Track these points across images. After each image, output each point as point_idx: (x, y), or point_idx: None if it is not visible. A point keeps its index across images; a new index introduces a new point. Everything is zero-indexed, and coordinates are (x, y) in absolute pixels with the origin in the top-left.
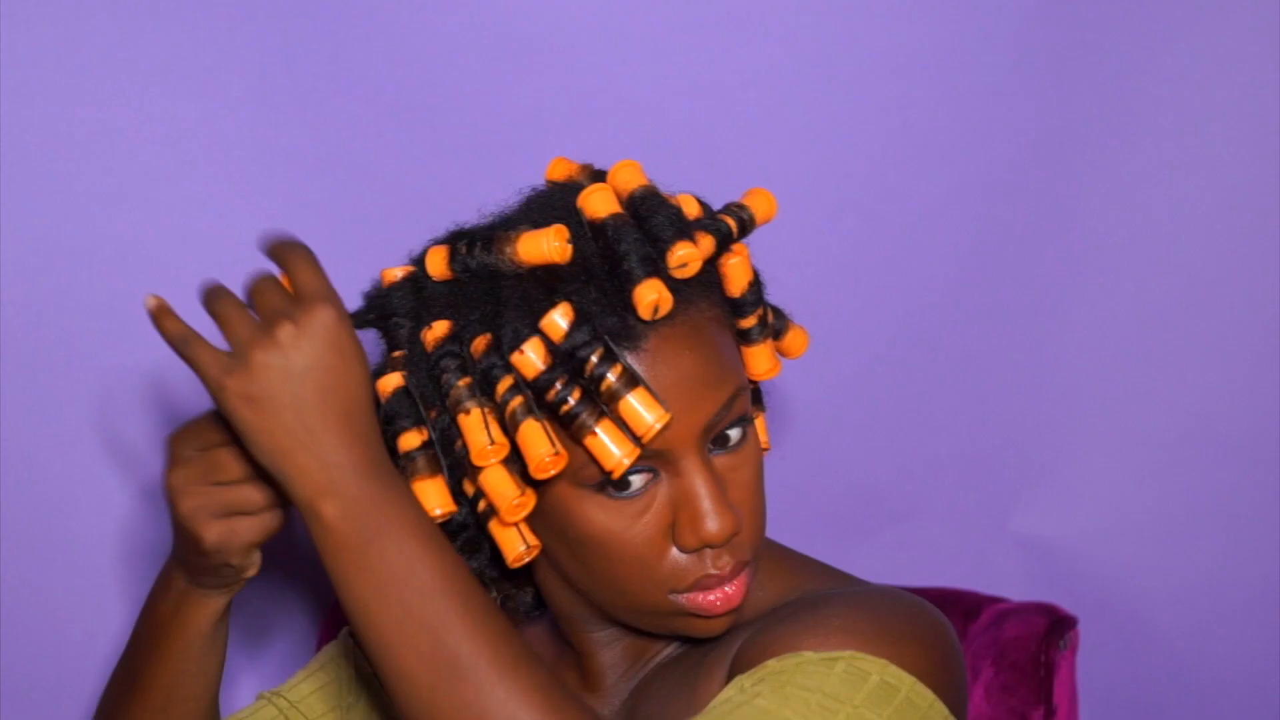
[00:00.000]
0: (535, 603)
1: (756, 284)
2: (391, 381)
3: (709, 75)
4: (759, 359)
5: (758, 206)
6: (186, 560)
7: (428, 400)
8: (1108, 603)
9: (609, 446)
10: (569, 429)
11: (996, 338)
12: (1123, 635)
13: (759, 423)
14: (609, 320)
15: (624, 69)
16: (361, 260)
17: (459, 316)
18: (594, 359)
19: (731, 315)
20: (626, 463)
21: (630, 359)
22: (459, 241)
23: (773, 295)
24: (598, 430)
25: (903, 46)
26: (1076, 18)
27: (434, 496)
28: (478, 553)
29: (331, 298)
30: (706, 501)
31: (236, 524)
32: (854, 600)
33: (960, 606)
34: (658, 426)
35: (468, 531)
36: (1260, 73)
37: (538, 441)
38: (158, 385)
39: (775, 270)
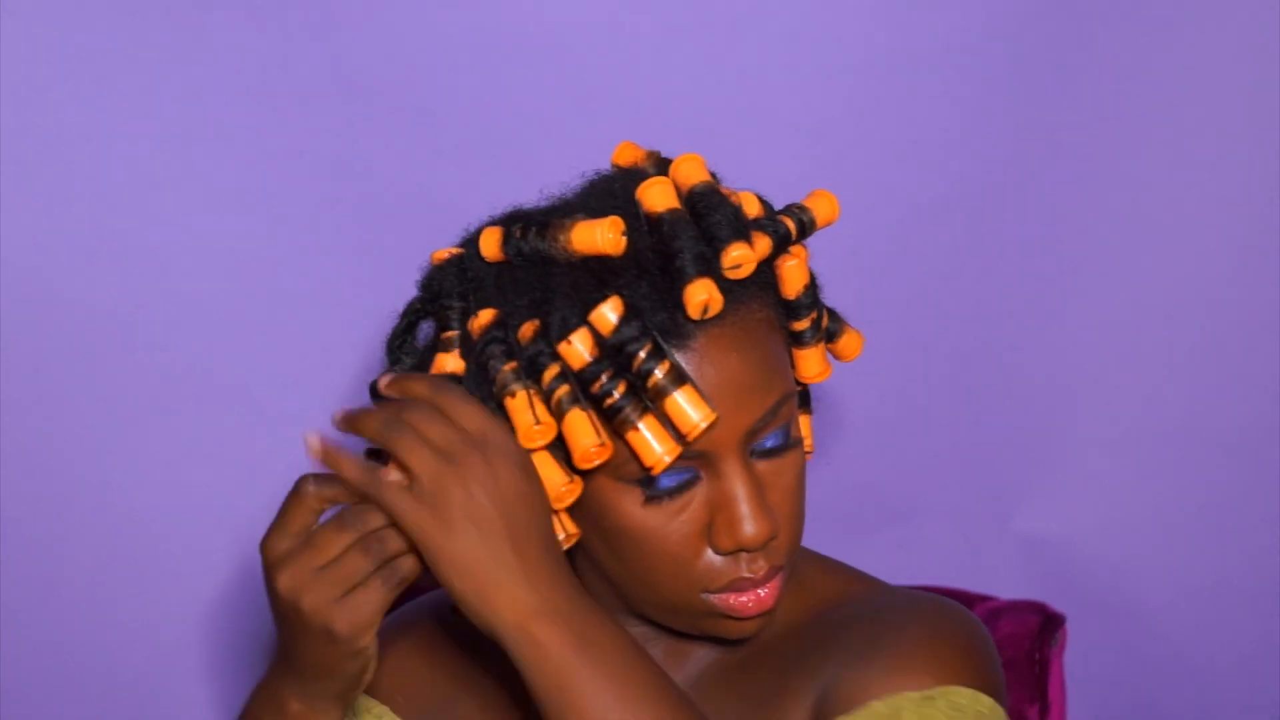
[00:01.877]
0: None
1: (812, 287)
2: (449, 362)
3: (709, 75)
4: (810, 362)
5: (819, 209)
6: (308, 669)
7: (477, 390)
8: (1107, 601)
9: (651, 443)
10: (612, 423)
11: (996, 337)
12: (1122, 633)
13: (805, 424)
14: (659, 316)
15: (624, 69)
16: (362, 260)
17: (506, 303)
18: (642, 354)
19: (785, 317)
20: (668, 460)
21: (678, 357)
22: (514, 224)
23: None
24: (641, 426)
25: (902, 46)
26: (1075, 17)
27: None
28: None
29: (504, 425)
30: (745, 505)
31: (359, 598)
32: (925, 625)
33: None
34: (703, 425)
35: None
36: (1260, 73)
37: (584, 431)
38: (158, 385)
39: None
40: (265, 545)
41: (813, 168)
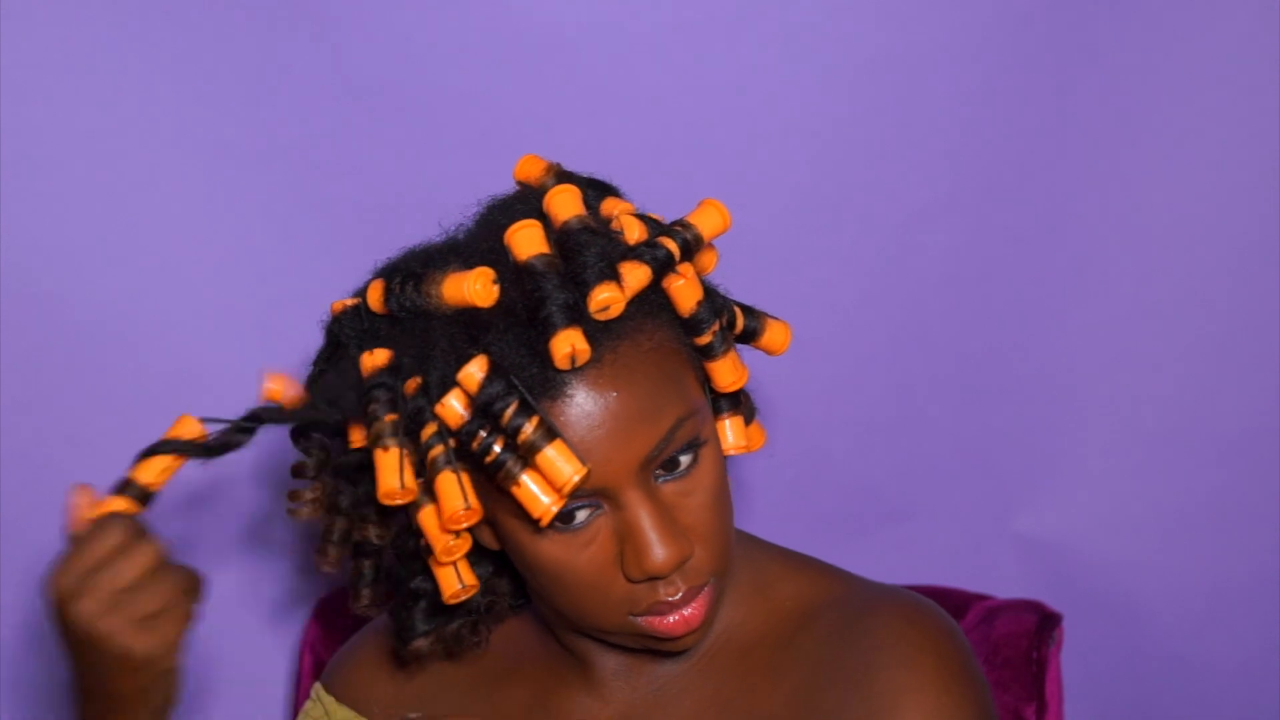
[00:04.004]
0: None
1: (708, 301)
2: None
3: (708, 75)
4: (723, 372)
5: (705, 222)
6: (114, 700)
7: (352, 421)
8: (1106, 601)
9: (536, 495)
10: (495, 478)
11: (995, 337)
12: (1121, 634)
13: (739, 426)
14: (530, 370)
15: (624, 69)
16: (361, 260)
17: (396, 348)
18: (509, 412)
19: (686, 335)
20: (554, 510)
21: (555, 407)
22: (394, 277)
23: (772, 292)
24: (524, 479)
25: (902, 46)
26: (1076, 18)
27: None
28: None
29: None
30: (650, 534)
31: (160, 624)
32: (933, 664)
33: (947, 604)
34: (575, 479)
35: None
36: (1260, 73)
37: (452, 494)
38: (158, 385)
39: (776, 268)
40: (56, 579)
41: (813, 168)
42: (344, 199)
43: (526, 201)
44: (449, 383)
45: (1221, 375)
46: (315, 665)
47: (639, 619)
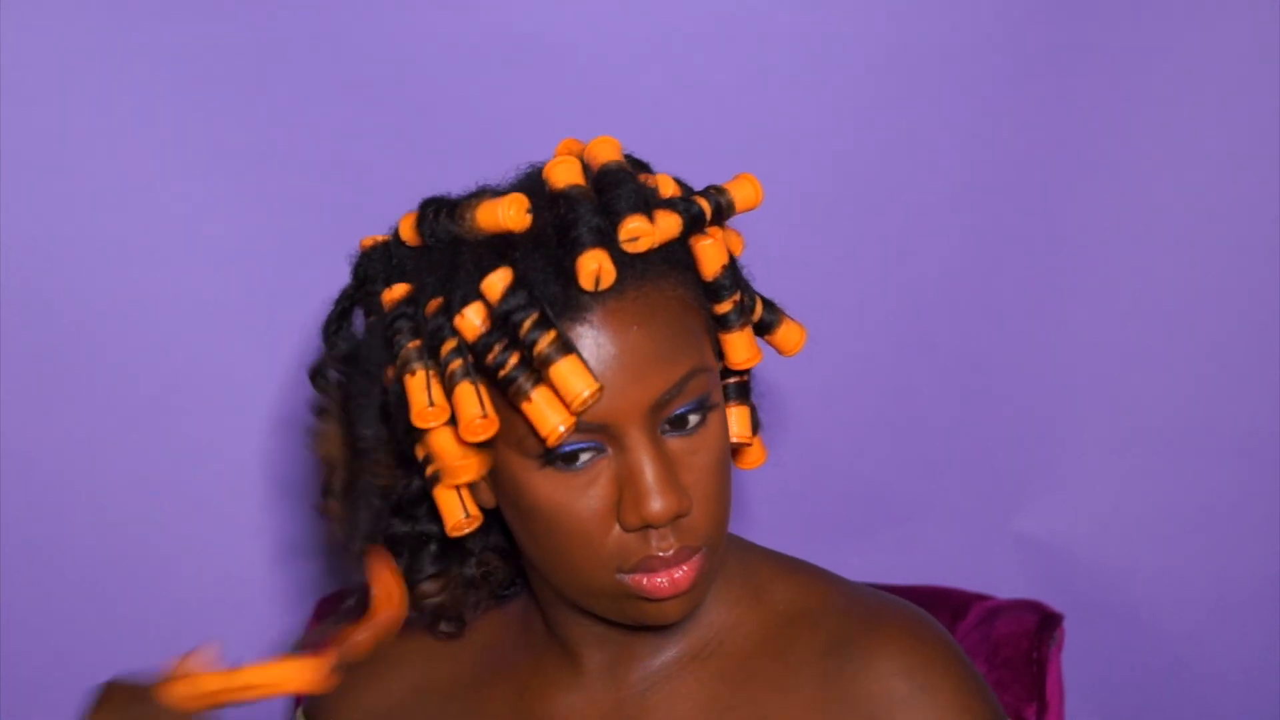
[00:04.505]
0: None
1: (732, 269)
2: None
3: (709, 75)
4: (737, 346)
5: (739, 192)
6: None
7: (382, 361)
8: (1106, 602)
9: (546, 413)
10: (506, 394)
11: (996, 337)
12: (1122, 634)
13: (742, 417)
14: (551, 288)
15: (624, 69)
16: None
17: (419, 280)
18: (528, 324)
19: (706, 299)
20: (562, 429)
21: (573, 330)
22: (428, 208)
23: (774, 292)
24: (534, 396)
25: (902, 46)
26: (1076, 17)
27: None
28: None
29: None
30: (650, 479)
31: None
32: (948, 677)
33: (947, 604)
34: (585, 394)
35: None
36: (1260, 73)
37: (469, 404)
38: (157, 384)
39: (777, 268)
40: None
41: (815, 169)
42: (344, 199)
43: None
44: (470, 297)
45: (1222, 376)
46: None
47: (627, 577)
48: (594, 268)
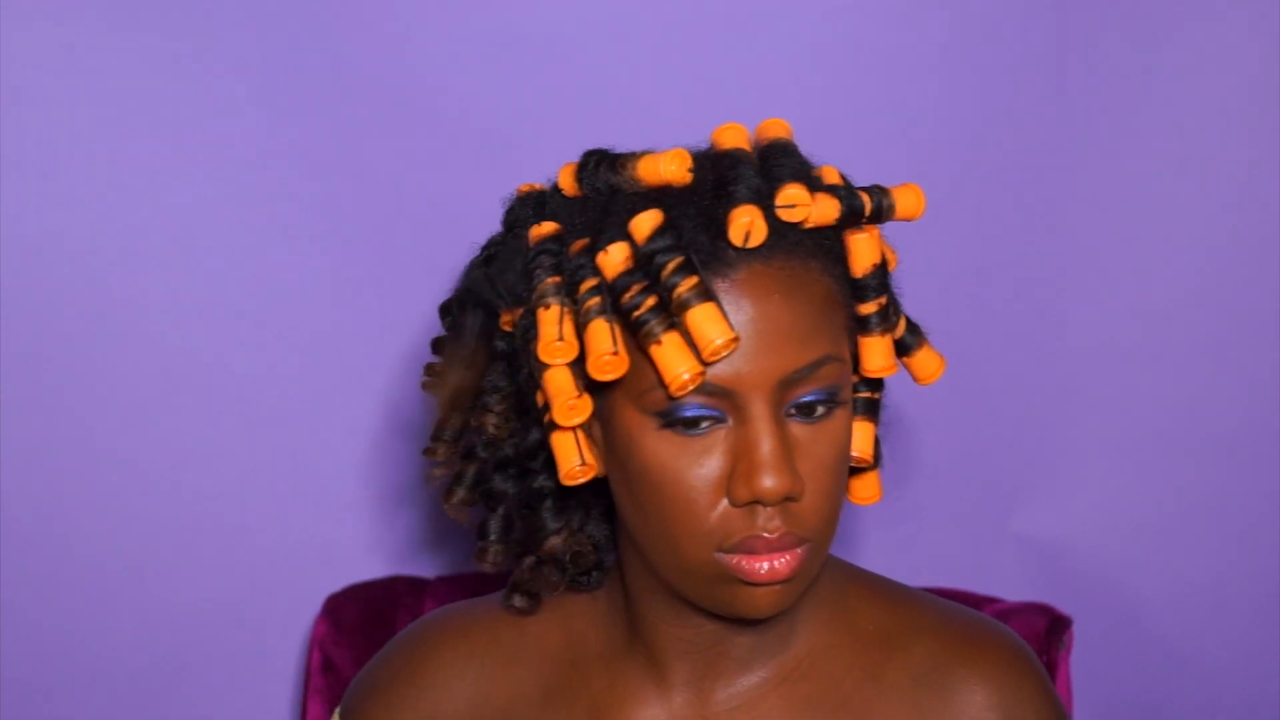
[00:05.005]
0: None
1: (882, 270)
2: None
3: (709, 75)
4: (873, 352)
5: (903, 199)
6: None
7: (520, 297)
8: (1107, 602)
9: (674, 358)
10: (638, 336)
11: (996, 337)
12: (1122, 635)
13: (863, 431)
14: (700, 237)
15: (624, 68)
16: (361, 260)
17: (568, 222)
18: (671, 266)
19: (851, 296)
20: (686, 377)
21: (716, 283)
22: (591, 157)
23: None
24: (664, 340)
25: (902, 46)
26: (1076, 17)
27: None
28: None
29: None
30: (766, 454)
31: None
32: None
33: None
34: (719, 341)
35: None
36: (1260, 73)
37: (601, 339)
38: (158, 384)
39: None
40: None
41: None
42: (344, 199)
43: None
44: (617, 237)
45: (1222, 375)
46: (324, 662)
47: (727, 556)
48: (746, 221)
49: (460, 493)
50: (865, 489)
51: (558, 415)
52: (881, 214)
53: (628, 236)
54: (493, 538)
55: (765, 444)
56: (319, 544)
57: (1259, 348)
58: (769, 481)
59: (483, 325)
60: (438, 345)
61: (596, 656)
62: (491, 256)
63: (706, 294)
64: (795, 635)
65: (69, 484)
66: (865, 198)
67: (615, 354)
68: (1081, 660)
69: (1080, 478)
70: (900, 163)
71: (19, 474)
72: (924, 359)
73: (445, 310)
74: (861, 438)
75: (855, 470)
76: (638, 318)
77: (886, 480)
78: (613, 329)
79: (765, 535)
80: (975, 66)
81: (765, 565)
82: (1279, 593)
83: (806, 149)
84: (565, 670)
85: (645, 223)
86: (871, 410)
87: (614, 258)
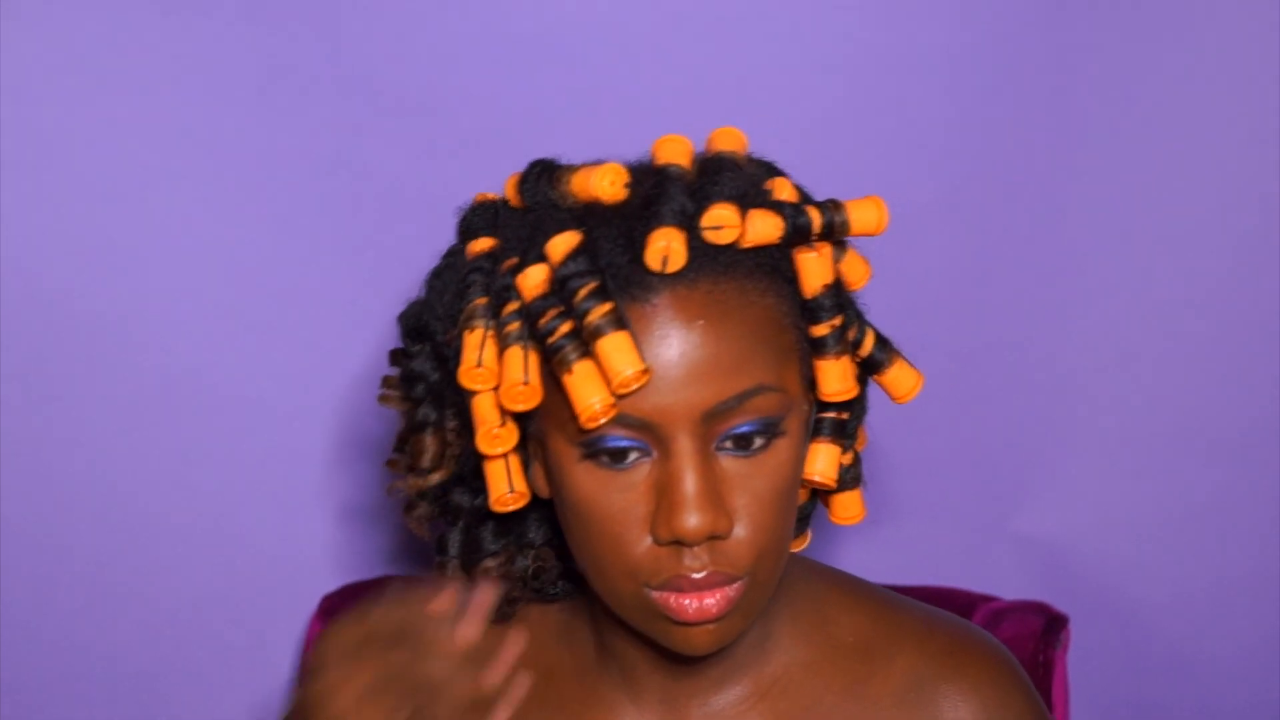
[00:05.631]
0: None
1: (836, 289)
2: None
3: (708, 75)
4: (829, 376)
5: (860, 213)
6: None
7: (453, 314)
8: (1107, 602)
9: (584, 388)
10: (551, 363)
11: (995, 337)
12: (1122, 635)
13: (827, 454)
14: (619, 260)
15: (623, 68)
16: (362, 260)
17: (503, 238)
18: (584, 291)
19: (803, 318)
20: (598, 409)
21: (634, 309)
22: (533, 168)
23: None
24: (576, 369)
25: (902, 46)
26: (1076, 17)
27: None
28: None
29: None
30: (688, 492)
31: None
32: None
33: (952, 605)
34: (628, 373)
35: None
36: (1260, 73)
37: (513, 368)
38: (158, 384)
39: None
40: (338, 628)
41: (813, 168)
42: (344, 198)
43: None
44: (537, 257)
45: (1222, 375)
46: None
47: (655, 593)
48: (663, 245)
49: (421, 507)
50: (845, 509)
51: (480, 444)
52: (833, 231)
53: (544, 256)
54: (453, 553)
55: (687, 481)
56: (315, 544)
57: (1259, 348)
58: (690, 521)
59: (433, 359)
60: (395, 357)
61: (571, 669)
62: (441, 270)
63: (618, 322)
64: (772, 649)
65: (67, 484)
66: (814, 214)
67: (526, 384)
68: (1081, 661)
69: (1080, 478)
70: (901, 163)
71: (19, 474)
72: (897, 376)
73: (402, 321)
74: (825, 461)
75: (829, 491)
76: (552, 344)
77: (887, 480)
78: (526, 356)
79: (691, 576)
80: (975, 67)
81: (694, 604)
82: (1278, 592)
83: (804, 149)
84: (540, 682)
85: (561, 244)
86: (837, 431)
87: (531, 280)
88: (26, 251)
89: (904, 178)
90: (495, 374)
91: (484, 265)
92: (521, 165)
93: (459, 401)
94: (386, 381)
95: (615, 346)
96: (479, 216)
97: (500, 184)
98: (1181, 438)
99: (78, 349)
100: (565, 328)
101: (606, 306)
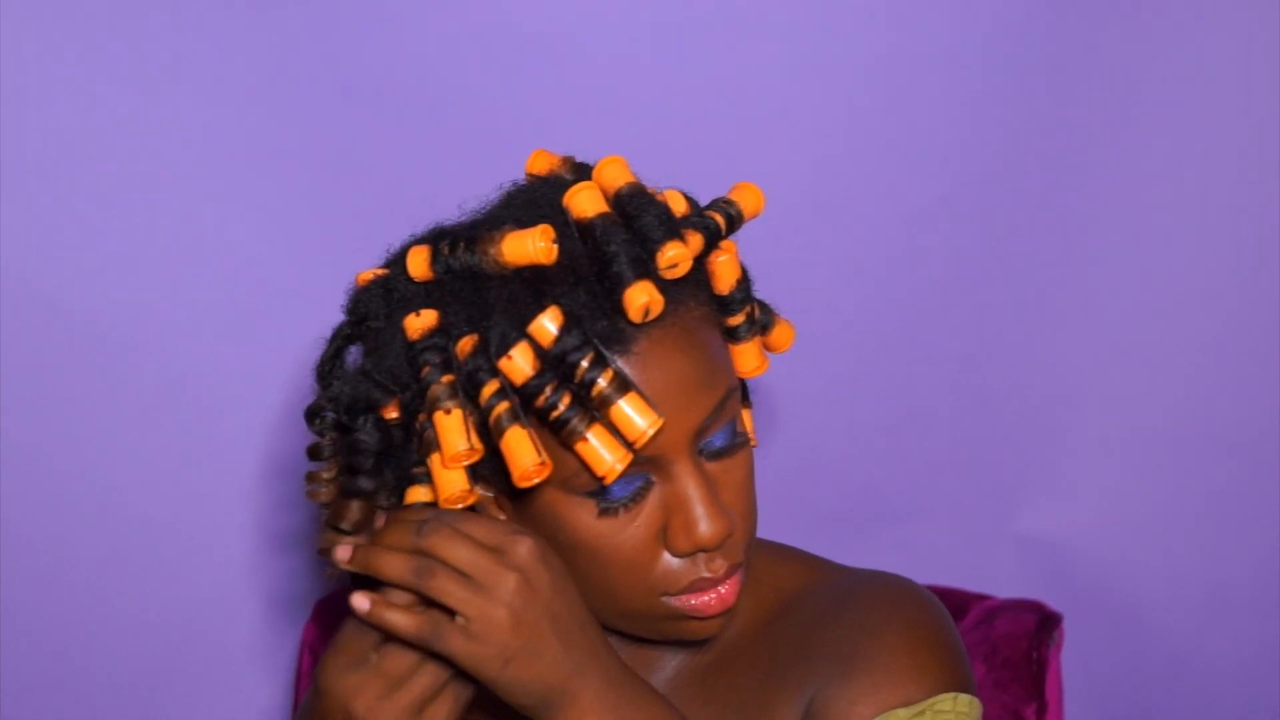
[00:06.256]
0: None
1: (745, 281)
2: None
3: (709, 76)
4: (747, 356)
5: (745, 202)
6: None
7: (399, 385)
8: (1106, 601)
9: (601, 452)
10: (559, 435)
11: (996, 337)
12: (1121, 634)
13: (746, 418)
14: (599, 324)
15: (624, 69)
16: (361, 260)
17: (445, 312)
18: (585, 364)
19: (720, 313)
20: (619, 468)
21: (621, 363)
22: (441, 241)
23: (772, 293)
24: (589, 436)
25: (902, 46)
26: (1076, 18)
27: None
28: None
29: (520, 529)
30: (700, 506)
31: (433, 715)
32: (902, 631)
33: (947, 604)
34: (650, 432)
35: None
36: (1260, 74)
37: (524, 450)
38: (158, 384)
39: (776, 268)
40: (327, 673)
41: (814, 168)
42: (343, 199)
43: (549, 185)
44: (510, 339)
45: (1222, 375)
46: (314, 665)
47: (674, 599)
48: (644, 300)
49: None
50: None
51: (446, 506)
52: (734, 226)
53: (526, 337)
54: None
55: (697, 496)
56: (310, 548)
57: (1259, 348)
58: (709, 531)
59: (355, 429)
60: (315, 452)
61: None
62: (340, 350)
63: (625, 385)
64: None
65: (66, 484)
66: (718, 218)
67: (542, 463)
68: (1081, 660)
69: (1080, 478)
70: (901, 163)
71: (19, 474)
72: (779, 334)
73: (310, 416)
74: (746, 423)
75: None
76: (557, 418)
77: (888, 480)
78: (530, 435)
79: (710, 576)
80: (977, 67)
81: (714, 598)
82: (1278, 593)
83: (804, 149)
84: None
85: (547, 324)
86: (745, 397)
87: (519, 364)
88: (26, 252)
89: (905, 180)
90: (480, 450)
91: (437, 343)
92: (522, 165)
93: (401, 477)
94: (311, 477)
95: (631, 408)
96: (374, 297)
97: (499, 184)
98: (1181, 438)
99: (76, 347)
100: (566, 400)
101: (609, 373)
